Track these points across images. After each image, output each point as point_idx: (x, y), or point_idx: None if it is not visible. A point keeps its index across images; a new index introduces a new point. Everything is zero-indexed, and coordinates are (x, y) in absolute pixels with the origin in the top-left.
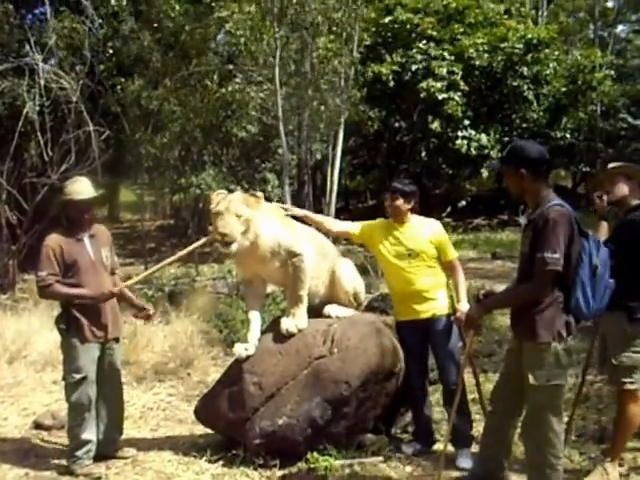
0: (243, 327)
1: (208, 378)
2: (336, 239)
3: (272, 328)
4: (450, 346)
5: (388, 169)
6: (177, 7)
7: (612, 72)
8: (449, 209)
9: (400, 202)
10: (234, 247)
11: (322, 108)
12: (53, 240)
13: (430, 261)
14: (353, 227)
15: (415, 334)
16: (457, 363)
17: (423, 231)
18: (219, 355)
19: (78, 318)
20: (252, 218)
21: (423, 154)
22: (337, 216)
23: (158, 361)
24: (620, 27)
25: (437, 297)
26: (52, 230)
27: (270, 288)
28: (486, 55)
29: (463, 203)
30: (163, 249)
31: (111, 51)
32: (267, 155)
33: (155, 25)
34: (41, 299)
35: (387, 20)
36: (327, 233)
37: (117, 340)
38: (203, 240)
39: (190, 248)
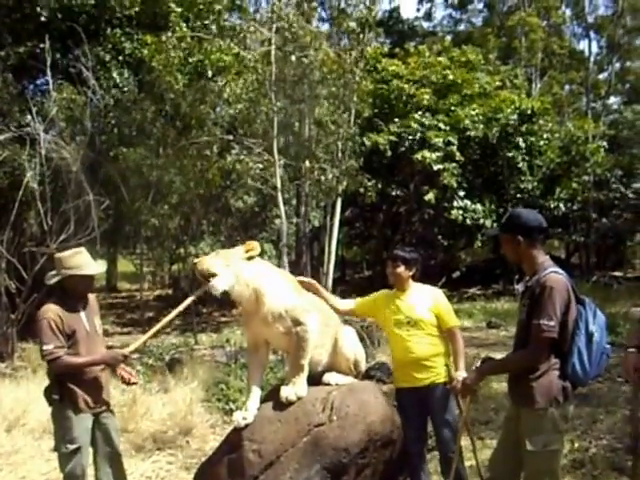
0: (242, 395)
1: (207, 446)
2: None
3: (271, 396)
4: (447, 414)
5: (384, 239)
6: (179, 77)
7: (605, 143)
8: (444, 279)
9: (401, 269)
10: (219, 284)
11: (322, 178)
12: (52, 311)
13: (429, 329)
14: (356, 305)
15: (414, 401)
16: (454, 431)
17: (423, 299)
18: (218, 423)
19: (72, 388)
20: (237, 258)
21: (418, 224)
22: (334, 287)
23: (157, 429)
24: (612, 99)
25: (436, 365)
26: (47, 300)
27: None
28: (481, 126)
29: (458, 273)
30: (161, 319)
31: (112, 121)
32: (264, 225)
33: (157, 96)
34: (39, 367)
35: (384, 90)
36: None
37: (109, 407)
38: (198, 292)
39: (185, 303)
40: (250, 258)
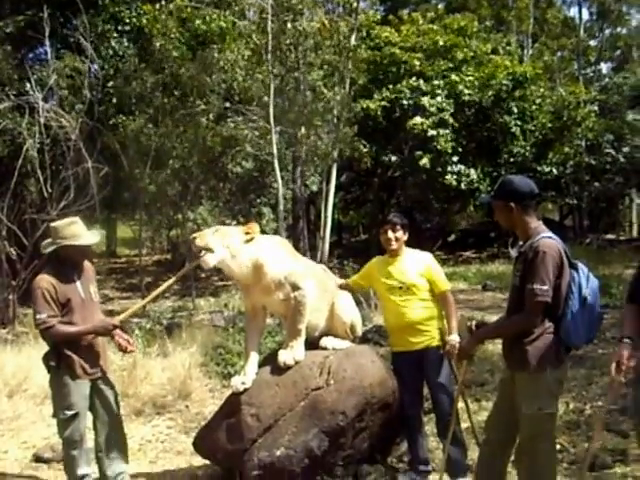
0: (240, 360)
1: (206, 410)
2: (330, 272)
3: (269, 361)
4: (442, 377)
5: (380, 204)
6: (178, 45)
7: (596, 108)
8: (440, 242)
9: (400, 234)
10: (211, 259)
11: (317, 144)
12: (46, 280)
13: (422, 294)
14: (351, 282)
15: (409, 365)
16: (450, 394)
17: (415, 264)
18: (216, 387)
19: (69, 355)
20: (235, 239)
21: (413, 189)
22: (331, 250)
23: (156, 394)
24: (603, 65)
25: (430, 329)
26: (41, 269)
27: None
28: (475, 91)
29: (453, 237)
30: (160, 283)
31: (111, 90)
32: (262, 190)
33: (155, 65)
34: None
35: (377, 57)
36: None
37: (106, 374)
38: (194, 263)
39: (180, 273)
40: (249, 240)
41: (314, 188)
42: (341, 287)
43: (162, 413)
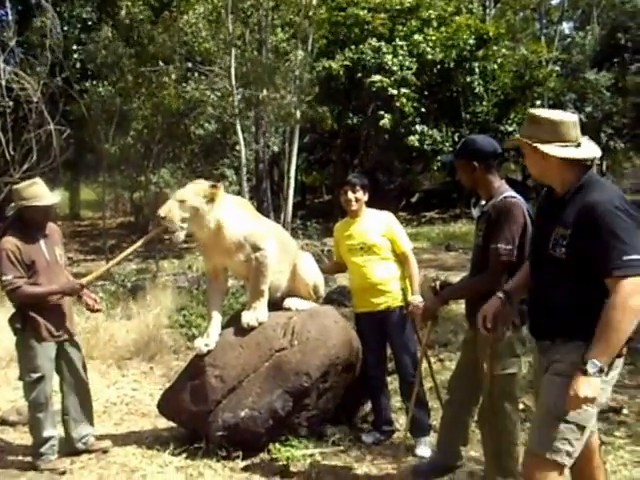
0: (204, 321)
1: (171, 372)
2: (293, 232)
3: (233, 322)
4: (404, 338)
5: (343, 165)
6: (143, 8)
7: (558, 67)
8: (403, 203)
9: (361, 194)
10: (179, 235)
11: (280, 104)
12: (10, 242)
13: (384, 254)
14: (336, 260)
15: (372, 326)
16: (413, 355)
17: (375, 224)
18: (181, 349)
19: (34, 317)
20: (202, 206)
21: (376, 150)
22: (294, 211)
23: (121, 356)
24: (564, 24)
25: (391, 289)
26: (6, 232)
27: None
28: (438, 49)
29: (416, 197)
30: (124, 245)
31: (74, 50)
32: (225, 151)
33: (118, 26)
34: (5, 296)
35: (339, 17)
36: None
37: (72, 337)
38: (155, 231)
39: (145, 238)
40: (211, 200)
41: (276, 149)
42: (331, 269)
43: (126, 375)
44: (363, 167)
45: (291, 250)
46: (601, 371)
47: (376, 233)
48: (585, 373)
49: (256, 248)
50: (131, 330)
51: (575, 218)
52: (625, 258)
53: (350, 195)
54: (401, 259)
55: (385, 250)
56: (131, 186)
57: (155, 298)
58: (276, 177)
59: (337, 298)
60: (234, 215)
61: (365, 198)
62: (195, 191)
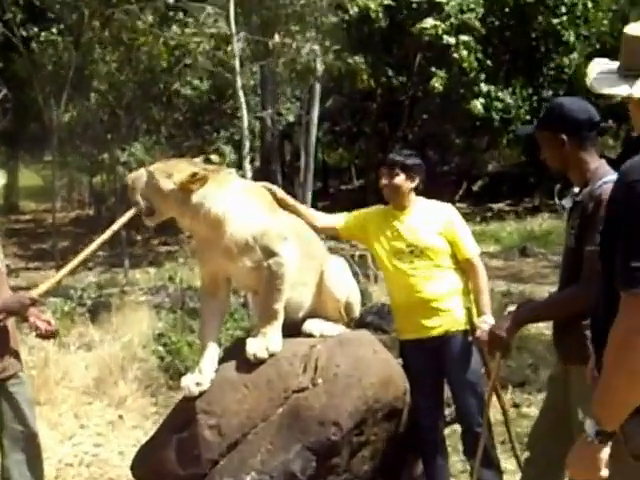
0: (192, 353)
1: (147, 422)
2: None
3: (233, 353)
4: (468, 374)
5: (379, 138)
6: None
7: None
8: (462, 191)
9: (401, 179)
10: (154, 218)
11: (295, 55)
12: None
13: (440, 260)
14: (340, 220)
15: (424, 358)
16: (479, 397)
17: (431, 220)
18: (161, 391)
19: None
20: (169, 193)
21: (425, 118)
22: (314, 202)
23: (78, 400)
24: None
25: (451, 308)
26: None
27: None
28: None
29: (480, 183)
30: (81, 248)
31: None
32: (221, 120)
33: None
34: None
35: None
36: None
37: (17, 372)
38: (130, 213)
39: (119, 222)
40: (185, 190)
41: (291, 118)
42: (321, 229)
43: (87, 426)
44: (407, 142)
45: (317, 255)
46: (602, 435)
47: (432, 232)
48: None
49: (269, 252)
50: (92, 365)
51: None
52: None
53: (385, 180)
54: (464, 267)
55: (443, 255)
56: (91, 167)
57: (124, 321)
58: (289, 155)
59: (373, 321)
60: (239, 204)
61: (411, 185)
62: (166, 171)
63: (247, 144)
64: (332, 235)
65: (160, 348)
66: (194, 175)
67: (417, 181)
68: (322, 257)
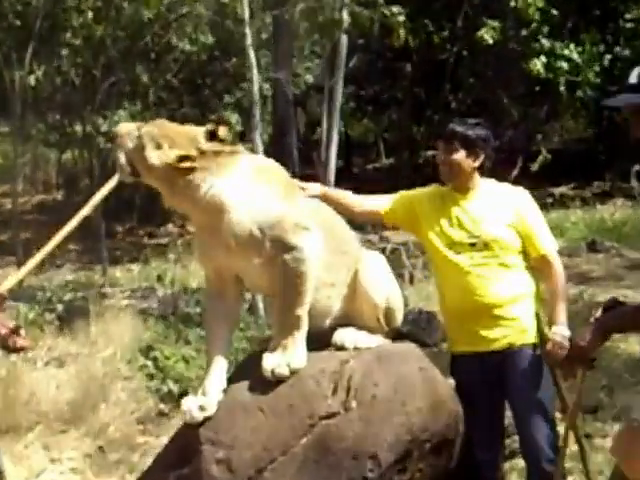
0: (188, 369)
1: (133, 455)
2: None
3: (246, 370)
4: (538, 396)
5: (415, 107)
6: None
7: None
8: (516, 171)
9: (461, 156)
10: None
11: (313, 3)
12: None
13: (508, 256)
14: (385, 203)
15: (481, 376)
16: (550, 425)
17: (499, 207)
18: (150, 417)
19: None
20: (153, 161)
21: (472, 81)
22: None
23: (49, 428)
24: None
25: (517, 316)
26: None
27: None
28: None
29: (540, 160)
30: (49, 238)
31: None
32: (226, 83)
33: None
34: None
35: None
36: (348, 215)
37: None
38: (113, 181)
39: (97, 197)
40: (215, 150)
41: (309, 79)
42: (362, 214)
43: (58, 460)
44: (449, 111)
45: (349, 249)
46: None
47: (499, 222)
48: None
49: (284, 246)
50: (65, 384)
51: None
52: None
53: (442, 156)
54: (537, 266)
55: (511, 250)
56: (60, 141)
57: (104, 330)
58: (303, 126)
59: (410, 331)
60: (244, 189)
61: (473, 164)
62: (156, 139)
63: (257, 111)
64: (374, 222)
65: (149, 364)
66: (182, 159)
67: (482, 158)
68: (355, 252)
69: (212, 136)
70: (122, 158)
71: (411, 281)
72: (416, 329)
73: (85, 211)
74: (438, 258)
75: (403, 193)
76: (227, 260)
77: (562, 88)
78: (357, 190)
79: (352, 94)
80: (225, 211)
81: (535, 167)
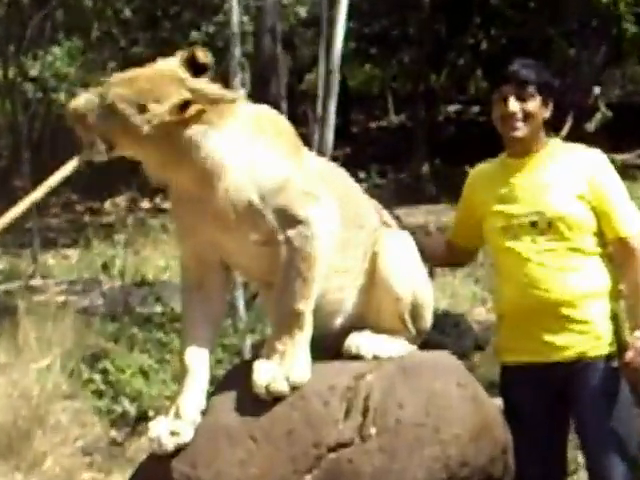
0: (149, 385)
1: None
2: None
3: (232, 385)
4: (614, 422)
5: (435, 46)
6: None
7: None
8: (566, 131)
9: (535, 105)
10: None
11: None
12: None
13: (580, 239)
14: (452, 235)
15: (539, 395)
16: (631, 458)
17: (569, 174)
18: (99, 445)
19: None
20: (141, 124)
21: (509, 15)
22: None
23: None
24: None
25: (590, 318)
26: None
27: None
28: None
29: (598, 119)
30: None
31: None
32: (193, 14)
33: None
34: None
35: None
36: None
37: None
38: (74, 161)
39: (53, 180)
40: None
41: (302, 12)
42: (439, 252)
43: None
44: (478, 56)
45: (367, 223)
46: None
47: (568, 193)
48: None
49: (290, 218)
50: None
51: None
52: None
53: (514, 105)
54: (617, 253)
55: (583, 231)
56: None
57: (38, 334)
58: (291, 72)
59: (431, 338)
60: (243, 147)
61: (546, 114)
62: (135, 98)
63: (237, 51)
64: (451, 262)
65: (96, 377)
66: (182, 108)
67: (549, 109)
68: (374, 229)
69: (193, 67)
70: (94, 138)
71: (431, 274)
72: (439, 335)
73: (35, 196)
74: (493, 245)
75: (460, 209)
76: (218, 236)
77: (627, 25)
78: (356, 154)
79: (351, 31)
80: (222, 174)
81: (591, 127)
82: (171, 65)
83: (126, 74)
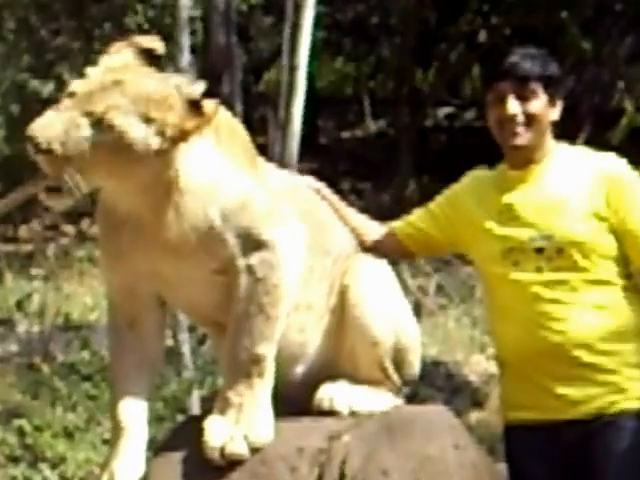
0: (74, 448)
1: None
2: None
3: (177, 447)
4: None
5: (423, 37)
6: None
7: None
8: (584, 137)
9: (540, 105)
10: (72, 192)
11: None
12: None
13: (597, 267)
14: (400, 222)
15: (552, 461)
16: None
17: (582, 187)
18: None
19: None
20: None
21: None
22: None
23: None
24: None
25: (614, 366)
26: None
27: None
28: None
29: (622, 125)
30: None
31: None
32: None
33: None
34: None
35: None
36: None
37: None
38: (32, 185)
39: (13, 197)
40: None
41: None
42: (379, 245)
43: None
44: (475, 47)
45: (334, 250)
46: None
47: (582, 212)
48: None
49: (253, 242)
50: None
51: None
52: None
53: (513, 106)
54: None
55: (603, 259)
56: None
57: None
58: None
59: (419, 390)
60: (207, 159)
61: (553, 116)
62: (131, 107)
63: (186, 40)
64: (397, 256)
65: (11, 439)
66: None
67: (557, 109)
68: (345, 255)
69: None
70: (66, 170)
71: (418, 313)
72: (428, 389)
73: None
74: (487, 275)
75: (423, 210)
76: (161, 266)
77: None
78: (323, 168)
79: (320, 18)
80: (185, 195)
81: (616, 138)
82: (133, 60)
83: (97, 78)
